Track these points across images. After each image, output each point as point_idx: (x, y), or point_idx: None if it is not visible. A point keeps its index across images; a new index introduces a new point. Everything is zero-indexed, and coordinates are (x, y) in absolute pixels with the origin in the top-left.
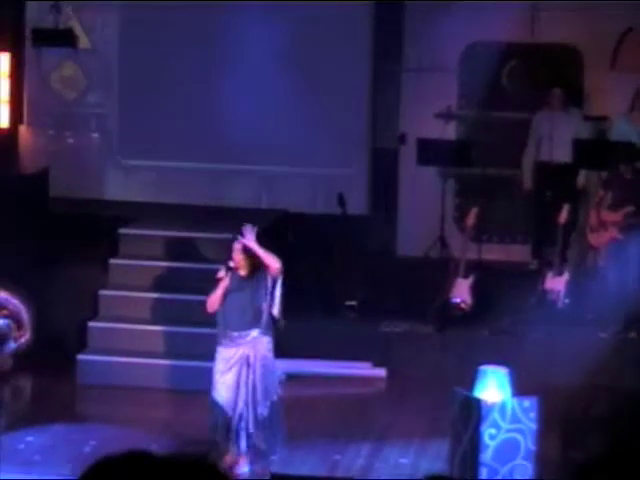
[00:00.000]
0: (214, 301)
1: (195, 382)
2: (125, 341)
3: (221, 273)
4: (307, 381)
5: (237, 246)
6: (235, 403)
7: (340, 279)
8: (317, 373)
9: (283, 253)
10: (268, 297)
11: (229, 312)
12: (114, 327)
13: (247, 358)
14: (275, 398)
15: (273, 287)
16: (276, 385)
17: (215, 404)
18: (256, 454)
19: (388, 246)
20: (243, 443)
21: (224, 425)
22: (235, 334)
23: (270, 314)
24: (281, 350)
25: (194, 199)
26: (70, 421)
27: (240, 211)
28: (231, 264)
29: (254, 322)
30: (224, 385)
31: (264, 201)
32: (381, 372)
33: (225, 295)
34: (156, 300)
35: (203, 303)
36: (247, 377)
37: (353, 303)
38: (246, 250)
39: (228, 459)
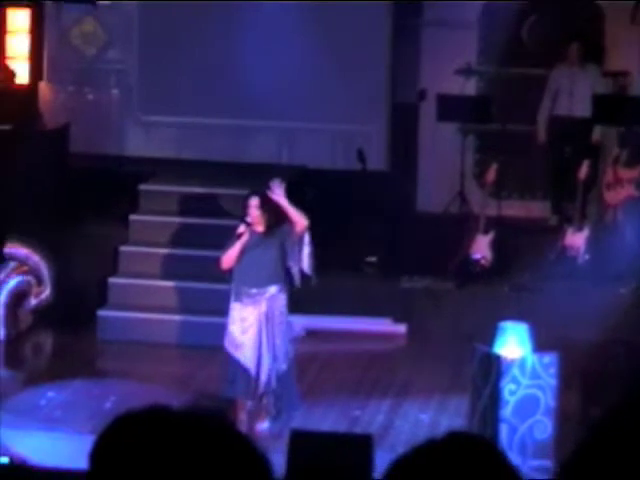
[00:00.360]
0: (231, 257)
1: (214, 338)
2: (145, 297)
3: (242, 228)
4: (327, 337)
5: (253, 202)
6: (259, 361)
7: (360, 235)
8: (337, 329)
9: (302, 209)
10: (294, 254)
11: (246, 269)
12: (134, 283)
13: (266, 315)
14: (292, 355)
15: (300, 244)
16: (291, 342)
17: (235, 361)
18: (274, 410)
19: (408, 202)
20: (265, 400)
21: (244, 381)
22: (253, 291)
23: (290, 271)
24: (301, 306)
25: (214, 155)
26: (91, 377)
27: (259, 167)
28: (248, 219)
29: (272, 279)
30: (246, 343)
31: (283, 157)
32: (401, 328)
33: (241, 252)
34: (176, 256)
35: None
36: (268, 334)
37: (373, 259)
38: (263, 206)
39: (247, 415)
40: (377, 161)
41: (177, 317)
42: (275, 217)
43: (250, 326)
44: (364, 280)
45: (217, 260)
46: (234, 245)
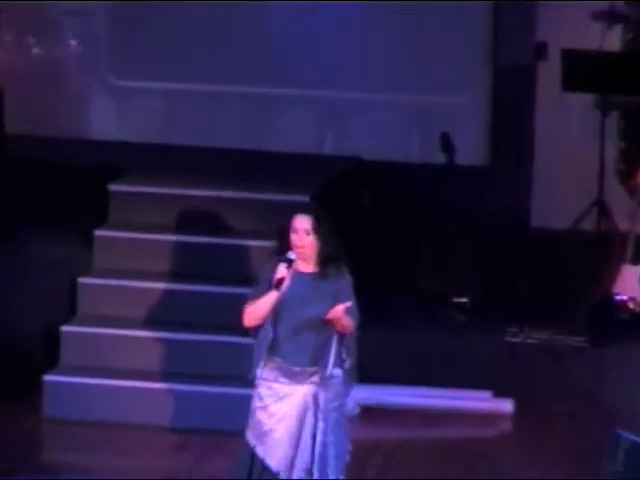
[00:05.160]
0: (260, 314)
1: (219, 418)
2: (115, 354)
3: (281, 270)
4: (392, 417)
5: (303, 224)
6: (292, 466)
7: (443, 263)
8: (407, 405)
9: (356, 221)
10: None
11: (284, 332)
12: (98, 333)
13: (314, 397)
14: (348, 458)
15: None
16: (349, 438)
17: (258, 463)
18: None
19: (517, 213)
20: None
21: None
22: (296, 369)
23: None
24: None
25: (221, 140)
26: (34, 474)
27: (290, 159)
28: (292, 255)
29: (322, 351)
30: (276, 438)
31: (329, 145)
32: (506, 405)
33: (279, 303)
34: (162, 292)
35: (233, 300)
36: (314, 427)
37: (463, 300)
38: (318, 231)
39: None
40: (471, 152)
41: (162, 385)
42: (334, 251)
43: (286, 412)
44: (450, 331)
45: (223, 299)
46: (266, 295)
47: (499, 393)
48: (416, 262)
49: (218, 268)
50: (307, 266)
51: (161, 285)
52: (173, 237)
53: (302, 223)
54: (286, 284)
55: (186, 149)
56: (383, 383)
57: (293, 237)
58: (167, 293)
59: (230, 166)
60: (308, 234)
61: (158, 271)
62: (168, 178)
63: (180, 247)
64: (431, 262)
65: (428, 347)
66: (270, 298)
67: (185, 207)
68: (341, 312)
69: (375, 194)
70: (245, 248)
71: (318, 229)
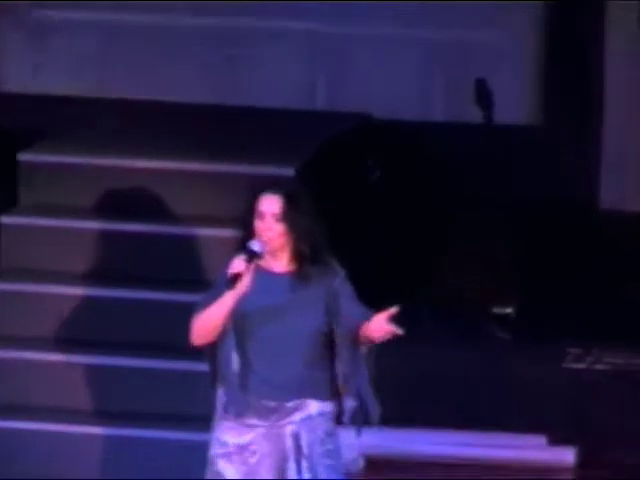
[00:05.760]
0: (212, 325)
1: (168, 470)
2: (26, 386)
3: (237, 264)
4: (410, 472)
5: (271, 207)
6: None
7: (479, 259)
8: (431, 456)
9: (360, 201)
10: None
11: (254, 354)
12: (4, 358)
13: (296, 439)
14: None
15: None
16: None
17: None
18: None
19: (581, 191)
20: None
21: None
22: (271, 404)
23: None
24: None
25: (175, 92)
26: None
27: (271, 118)
28: (256, 246)
29: (307, 380)
30: None
31: (323, 97)
32: (566, 454)
33: (239, 314)
34: (91, 301)
35: (184, 312)
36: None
37: (507, 310)
38: (291, 214)
39: None
40: (516, 106)
41: (92, 429)
42: (318, 242)
43: (259, 462)
44: (489, 353)
45: (172, 309)
46: (220, 300)
47: (556, 439)
48: (441, 258)
49: (165, 267)
50: (280, 264)
51: (89, 291)
52: (105, 225)
53: (270, 205)
54: (246, 282)
55: (125, 104)
56: (397, 426)
57: (258, 224)
58: (97, 302)
59: (186, 127)
60: (277, 220)
61: (84, 271)
62: (100, 145)
63: (114, 238)
64: (462, 258)
65: (459, 376)
66: (224, 302)
67: (122, 184)
68: (386, 323)
69: (386, 164)
70: (202, 239)
71: (292, 213)
